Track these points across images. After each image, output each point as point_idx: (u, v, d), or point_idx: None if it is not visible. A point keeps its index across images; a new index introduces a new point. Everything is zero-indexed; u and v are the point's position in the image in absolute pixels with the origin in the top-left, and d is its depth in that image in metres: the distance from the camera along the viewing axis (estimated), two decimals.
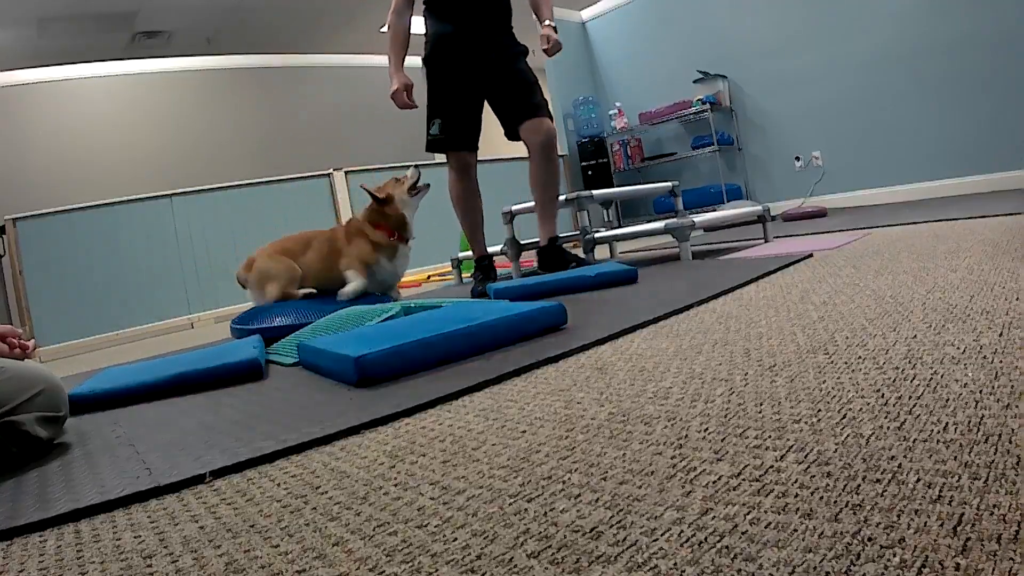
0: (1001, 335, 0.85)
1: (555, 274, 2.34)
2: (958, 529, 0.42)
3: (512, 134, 2.62)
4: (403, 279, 2.62)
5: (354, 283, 2.30)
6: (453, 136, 2.61)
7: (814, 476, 0.54)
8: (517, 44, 2.65)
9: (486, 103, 2.67)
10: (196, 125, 6.19)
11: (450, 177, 2.68)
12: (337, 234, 2.47)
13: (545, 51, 2.55)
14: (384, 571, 0.51)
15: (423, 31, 2.71)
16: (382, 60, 6.98)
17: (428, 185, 2.56)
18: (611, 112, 6.09)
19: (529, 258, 4.18)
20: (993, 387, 0.67)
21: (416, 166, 2.57)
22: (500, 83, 2.58)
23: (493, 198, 4.71)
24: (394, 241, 2.43)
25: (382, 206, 2.43)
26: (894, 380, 0.75)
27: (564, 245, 2.73)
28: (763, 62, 5.11)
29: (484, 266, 2.81)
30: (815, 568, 0.41)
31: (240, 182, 4.77)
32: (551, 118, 2.58)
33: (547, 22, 2.59)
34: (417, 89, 2.63)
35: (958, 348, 0.82)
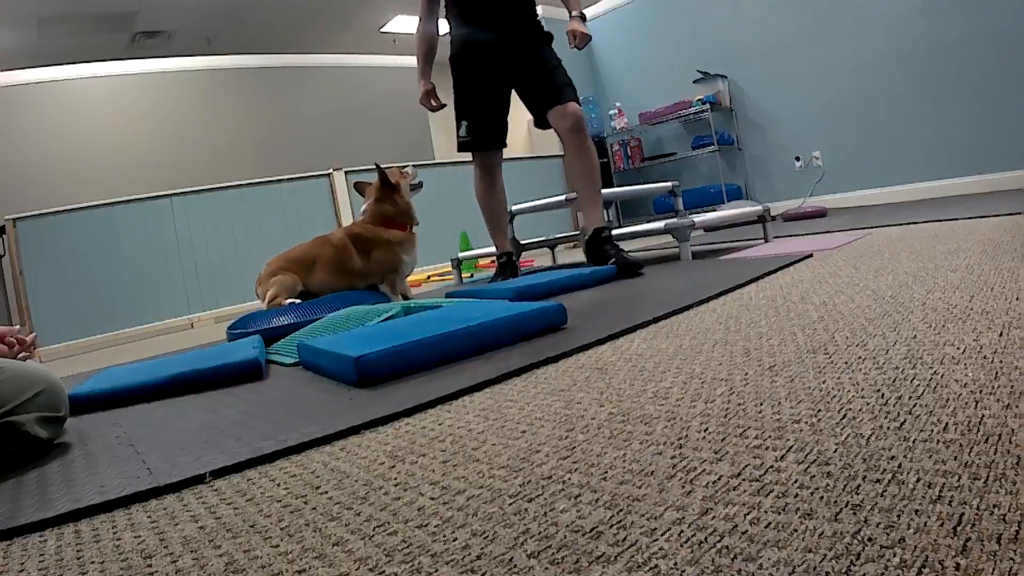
0: (1001, 335, 0.85)
1: (555, 273, 2.34)
2: (958, 529, 0.42)
3: (541, 123, 2.59)
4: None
5: (393, 303, 2.14)
6: (480, 137, 2.61)
7: (814, 476, 0.54)
8: (541, 32, 2.60)
9: (515, 95, 2.65)
10: (196, 125, 6.19)
11: (475, 174, 2.70)
12: (345, 248, 2.46)
13: (574, 48, 2.51)
14: (384, 571, 0.51)
15: (447, 31, 2.72)
16: (382, 60, 7.03)
17: (422, 183, 2.64)
18: (611, 112, 6.09)
19: (529, 258, 4.17)
20: (993, 387, 0.67)
21: (414, 166, 2.66)
22: (524, 75, 2.56)
23: None
24: (407, 233, 2.48)
25: (392, 191, 2.48)
26: (894, 380, 0.75)
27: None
28: (763, 62, 5.11)
29: (503, 263, 2.80)
30: (815, 568, 0.41)
31: (240, 182, 4.77)
32: (577, 101, 2.52)
33: (574, 13, 2.53)
34: (441, 86, 2.68)
35: (958, 348, 0.82)
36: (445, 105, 2.63)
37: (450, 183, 5.05)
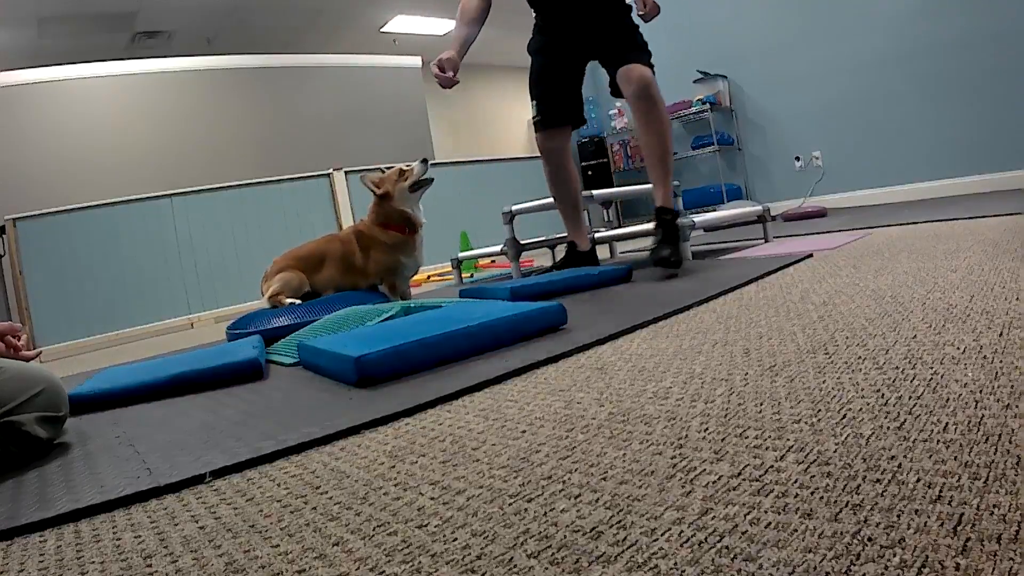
0: (1001, 335, 0.85)
1: (556, 273, 2.34)
2: (958, 529, 0.42)
3: (615, 91, 2.35)
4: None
5: (393, 303, 2.12)
6: (546, 113, 2.46)
7: (814, 476, 0.54)
8: (621, 4, 2.40)
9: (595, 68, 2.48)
10: (196, 125, 6.18)
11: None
12: (351, 244, 2.47)
13: (642, 16, 2.21)
14: (384, 571, 0.51)
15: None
16: (382, 60, 7.04)
17: (431, 180, 2.52)
18: (611, 112, 6.08)
19: (529, 258, 4.17)
20: (993, 387, 0.67)
21: (424, 160, 2.53)
22: (598, 41, 2.35)
23: (493, 198, 4.71)
24: (407, 236, 2.45)
25: (382, 201, 2.44)
26: (894, 380, 0.75)
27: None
28: (763, 62, 5.11)
29: (572, 252, 2.63)
30: (815, 568, 0.41)
31: (240, 182, 4.77)
32: (647, 62, 2.23)
33: None
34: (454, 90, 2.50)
35: (958, 348, 0.82)
36: (457, 83, 2.37)
37: (450, 183, 5.05)
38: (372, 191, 2.44)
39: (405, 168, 2.48)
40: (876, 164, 4.59)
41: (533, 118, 2.51)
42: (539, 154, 2.55)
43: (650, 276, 2.20)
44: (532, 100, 2.51)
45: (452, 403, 1.00)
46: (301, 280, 2.42)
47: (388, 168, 2.55)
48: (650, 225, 2.70)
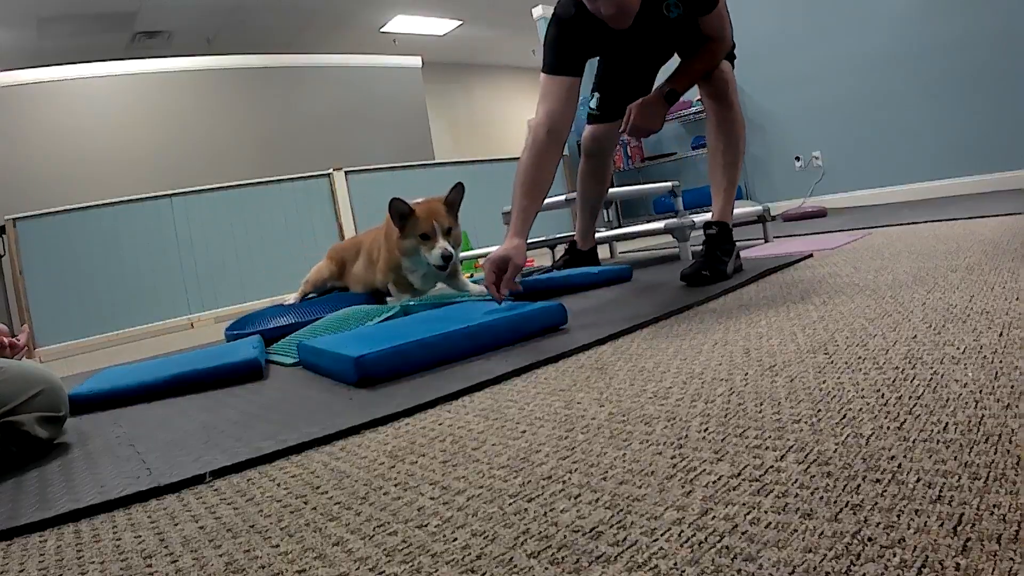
0: (1001, 335, 0.85)
1: (556, 273, 2.34)
2: (958, 529, 0.42)
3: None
4: None
5: (394, 304, 1.96)
6: (603, 109, 2.29)
7: (814, 476, 0.54)
8: None
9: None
10: (196, 125, 6.18)
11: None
12: (378, 237, 2.30)
13: (621, 131, 1.97)
14: (384, 571, 0.51)
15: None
16: (382, 60, 7.04)
17: (446, 268, 2.03)
18: None
19: (529, 258, 4.16)
20: (993, 387, 0.67)
21: (448, 256, 1.99)
22: (682, 44, 2.03)
23: (493, 198, 4.70)
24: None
25: (400, 225, 2.03)
26: (894, 380, 0.75)
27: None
28: (763, 62, 5.11)
29: (572, 252, 2.60)
30: (815, 568, 0.41)
31: (240, 182, 4.77)
32: (730, 58, 2.01)
33: (666, 86, 1.88)
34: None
35: (958, 348, 0.82)
36: (520, 290, 1.64)
37: (449, 183, 5.03)
38: (391, 215, 2.02)
39: (432, 236, 1.99)
40: (876, 164, 4.59)
41: (591, 111, 2.36)
42: (582, 148, 2.41)
43: (650, 276, 2.20)
44: (594, 92, 2.34)
45: (452, 403, 1.00)
46: (328, 273, 2.44)
47: (434, 199, 2.12)
48: (650, 225, 2.70)
